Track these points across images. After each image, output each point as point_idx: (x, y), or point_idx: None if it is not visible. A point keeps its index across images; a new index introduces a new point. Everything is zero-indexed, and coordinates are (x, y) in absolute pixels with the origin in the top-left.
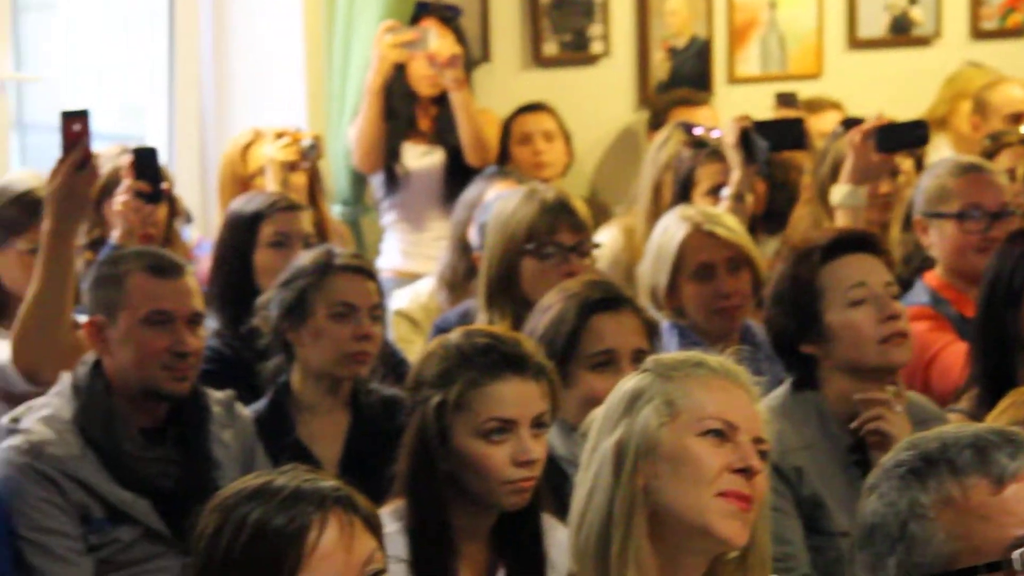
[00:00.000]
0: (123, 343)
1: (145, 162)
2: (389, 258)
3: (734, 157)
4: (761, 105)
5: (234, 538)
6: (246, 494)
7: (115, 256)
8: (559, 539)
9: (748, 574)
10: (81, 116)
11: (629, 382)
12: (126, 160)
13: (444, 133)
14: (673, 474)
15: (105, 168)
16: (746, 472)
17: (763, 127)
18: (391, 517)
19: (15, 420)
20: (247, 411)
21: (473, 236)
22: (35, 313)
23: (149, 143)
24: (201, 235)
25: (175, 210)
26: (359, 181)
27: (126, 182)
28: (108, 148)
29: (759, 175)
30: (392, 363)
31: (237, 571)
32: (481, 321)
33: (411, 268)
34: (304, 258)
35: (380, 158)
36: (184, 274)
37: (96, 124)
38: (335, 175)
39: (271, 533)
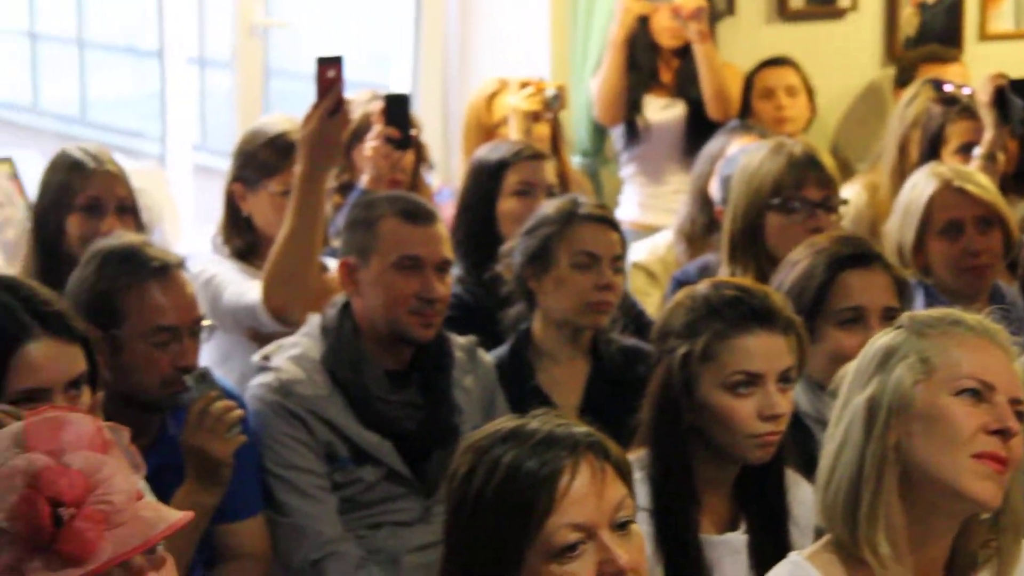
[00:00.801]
0: (373, 286)
1: (396, 108)
2: (627, 210)
3: (988, 116)
4: (1012, 63)
5: (487, 480)
6: (500, 436)
7: (369, 200)
8: (802, 495)
9: (1001, 536)
10: (335, 62)
11: (883, 338)
12: (377, 106)
13: (686, 86)
14: (926, 433)
15: (356, 113)
16: (1003, 433)
17: (1018, 86)
18: (634, 466)
19: (266, 358)
20: (489, 357)
21: (714, 190)
22: (285, 255)
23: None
24: (442, 183)
25: (422, 157)
26: (599, 133)
27: (377, 128)
28: (359, 94)
29: (1012, 135)
30: (632, 314)
31: (488, 512)
32: (723, 275)
33: (649, 221)
34: (549, 206)
35: (621, 110)
36: (435, 221)
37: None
38: (576, 126)
39: (523, 476)
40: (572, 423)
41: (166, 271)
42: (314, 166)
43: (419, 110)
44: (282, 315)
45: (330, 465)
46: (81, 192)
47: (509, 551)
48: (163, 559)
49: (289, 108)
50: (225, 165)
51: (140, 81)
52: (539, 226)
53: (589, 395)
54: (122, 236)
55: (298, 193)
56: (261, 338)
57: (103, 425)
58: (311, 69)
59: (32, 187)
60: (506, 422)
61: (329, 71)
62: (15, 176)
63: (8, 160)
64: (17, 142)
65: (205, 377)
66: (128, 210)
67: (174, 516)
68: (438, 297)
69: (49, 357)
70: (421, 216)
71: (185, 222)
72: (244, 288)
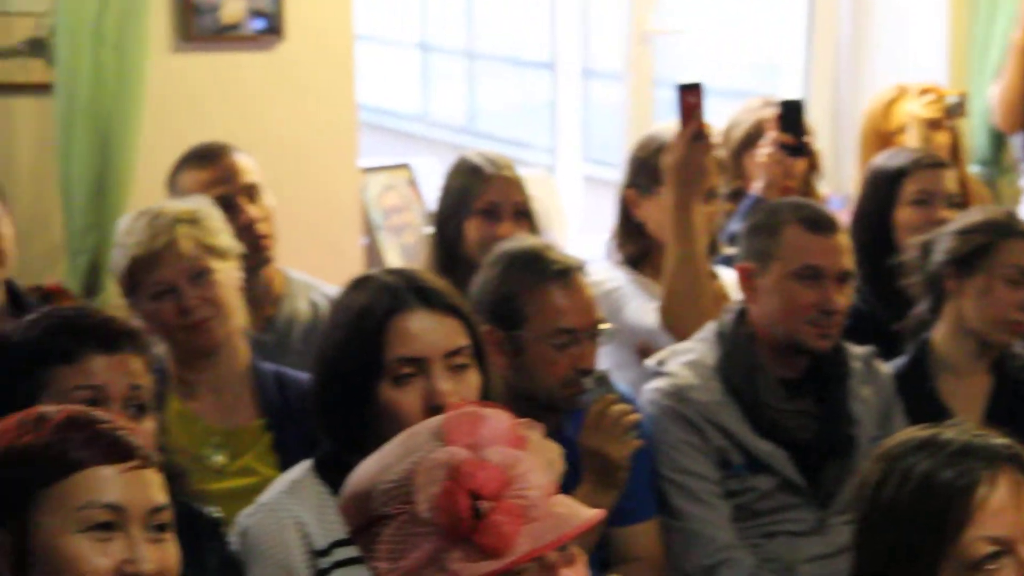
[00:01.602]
0: (771, 293)
1: (791, 114)
2: None
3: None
4: None
5: (899, 489)
6: (913, 445)
7: (773, 206)
8: None
9: None
10: (695, 88)
11: None
12: (769, 112)
13: None
14: None
15: (747, 121)
16: None
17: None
18: None
19: (660, 363)
20: (887, 368)
21: None
22: (676, 281)
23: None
24: (832, 190)
25: (814, 164)
26: (998, 141)
27: (771, 134)
28: (749, 101)
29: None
30: None
31: (901, 521)
32: None
33: None
34: (985, 213)
35: (1021, 118)
36: (838, 231)
37: (726, 81)
38: (974, 134)
39: (939, 486)
40: (989, 434)
41: (567, 274)
42: (683, 193)
43: (810, 117)
44: (681, 335)
45: (723, 472)
46: (480, 197)
47: (922, 562)
48: (575, 556)
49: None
50: (608, 175)
51: (526, 92)
52: (973, 230)
53: (991, 410)
54: (525, 239)
55: (673, 222)
56: (650, 354)
57: (519, 421)
58: (700, 78)
59: (429, 193)
60: (919, 431)
61: (690, 97)
62: (413, 182)
63: (406, 166)
64: (409, 151)
65: (604, 380)
66: (524, 215)
67: (587, 514)
68: (837, 309)
69: (425, 327)
70: (824, 225)
71: (572, 231)
72: (645, 309)
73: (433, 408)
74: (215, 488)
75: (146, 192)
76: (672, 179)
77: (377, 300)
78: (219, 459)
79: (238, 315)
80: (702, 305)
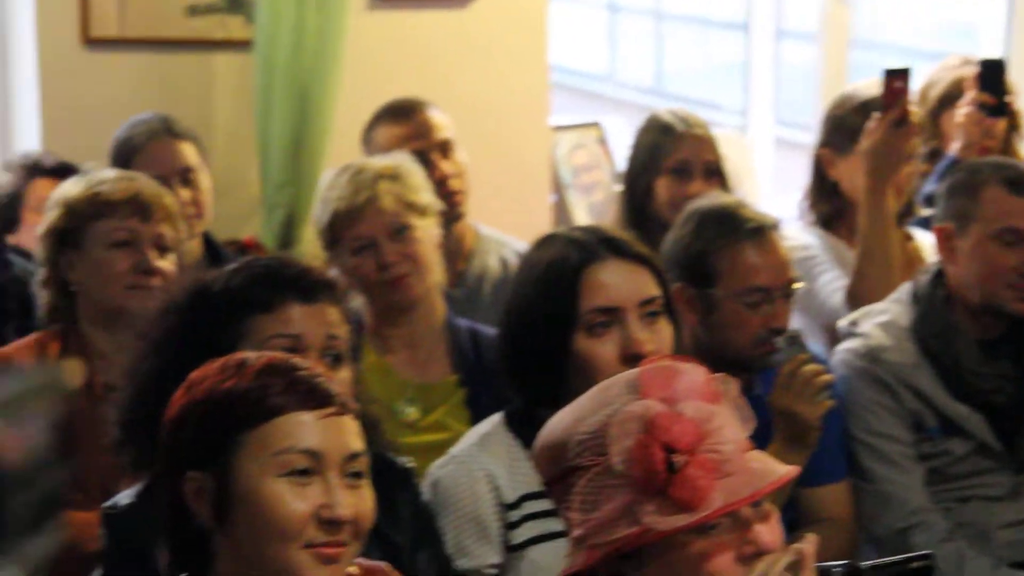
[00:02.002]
0: (970, 255)
1: (991, 74)
2: None
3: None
4: None
5: None
6: None
7: (974, 166)
8: None
9: None
10: (903, 74)
11: None
12: (969, 72)
13: None
14: None
15: (945, 79)
16: None
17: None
18: None
19: (853, 323)
20: None
21: None
22: (866, 267)
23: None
24: None
25: (1014, 124)
26: None
27: (970, 94)
28: (947, 59)
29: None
30: None
31: None
32: None
33: None
34: None
35: None
36: None
37: (917, 41)
38: None
39: None
40: None
41: (761, 232)
42: (878, 178)
43: (1012, 76)
44: None
45: (917, 435)
46: (671, 155)
47: None
48: (768, 512)
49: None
50: (797, 138)
51: (712, 53)
52: None
53: None
54: (718, 196)
55: (866, 207)
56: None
57: (714, 376)
58: (894, 39)
59: (618, 151)
60: None
61: (896, 82)
62: (603, 140)
63: (596, 124)
64: (595, 112)
65: (796, 340)
66: (716, 174)
67: (782, 470)
68: None
69: (618, 277)
70: None
71: (764, 192)
72: (835, 287)
73: (629, 357)
74: (407, 442)
75: (342, 148)
76: (868, 164)
77: (568, 253)
78: (412, 413)
79: (436, 271)
80: (889, 289)
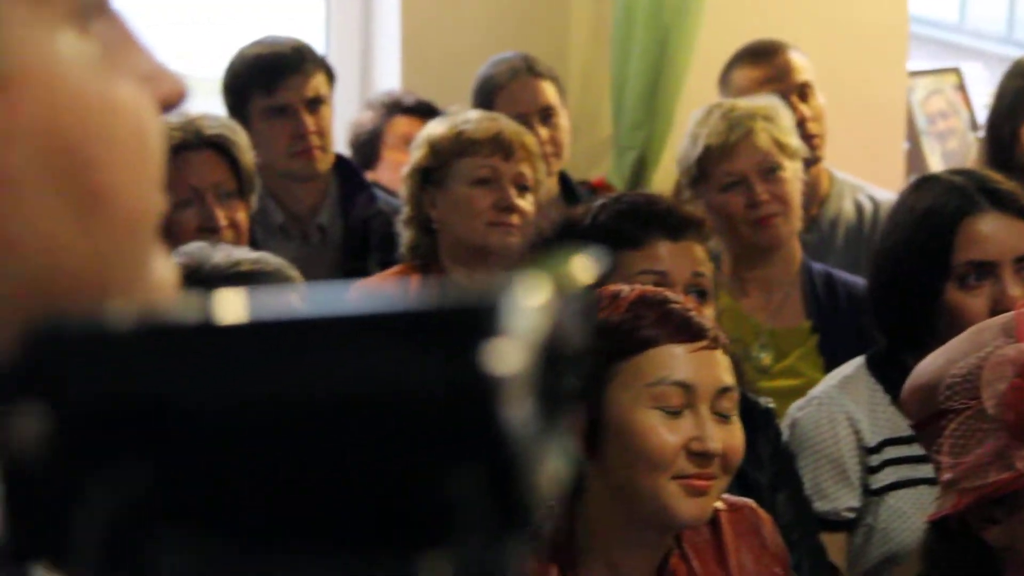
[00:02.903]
0: None
1: None
2: None
3: None
4: None
5: None
6: None
7: None
8: None
9: None
10: None
11: None
12: None
13: None
14: None
15: None
16: None
17: None
18: None
19: None
20: None
21: None
22: None
23: None
24: None
25: None
26: None
27: None
28: None
29: None
30: None
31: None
32: None
33: None
34: None
35: None
36: None
37: None
38: None
39: None
40: None
41: None
42: None
43: None
44: None
45: None
46: None
47: None
48: None
49: None
50: None
51: None
52: None
53: None
54: None
55: None
56: None
57: None
58: None
59: (976, 99)
60: None
61: None
62: (961, 87)
63: (955, 70)
64: (947, 60)
65: None
66: None
67: None
68: None
69: (996, 230)
70: None
71: None
72: None
73: (1001, 312)
74: (760, 387)
75: (698, 91)
76: None
77: (946, 201)
78: (765, 359)
79: (800, 215)
80: None
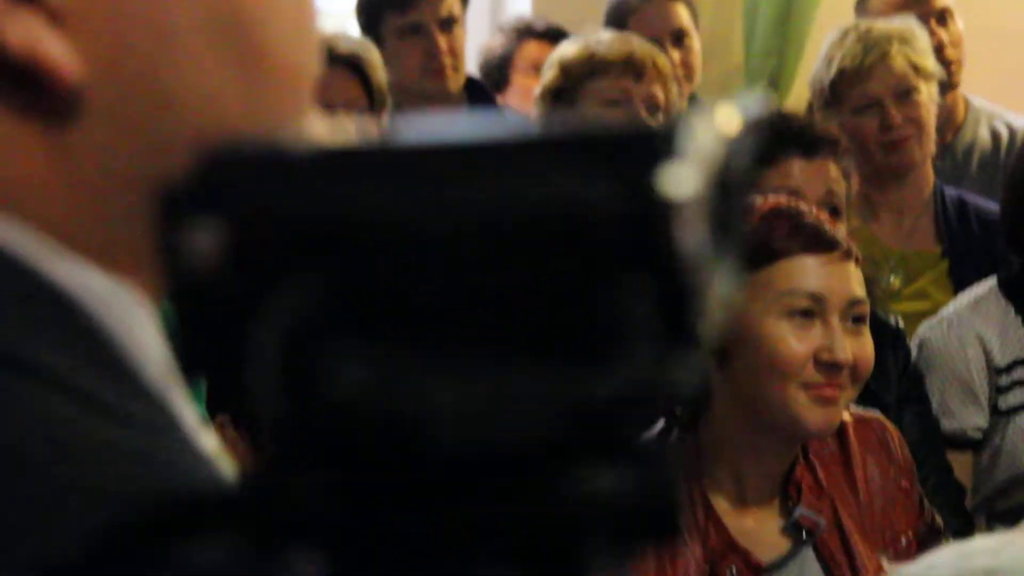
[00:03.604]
0: None
1: None
2: None
3: None
4: None
5: None
6: None
7: None
8: None
9: None
10: None
11: None
12: None
13: None
14: None
15: None
16: None
17: None
18: None
19: None
20: None
21: None
22: None
23: None
24: None
25: None
26: None
27: None
28: None
29: None
30: None
31: None
32: None
33: None
34: None
35: None
36: None
37: None
38: None
39: None
40: None
41: None
42: None
43: None
44: None
45: None
46: None
47: None
48: None
49: None
50: None
51: None
52: None
53: None
54: None
55: None
56: None
57: None
58: None
59: None
60: None
61: None
62: None
63: None
64: None
65: None
66: None
67: None
68: None
69: None
70: None
71: None
72: None
73: None
74: (889, 310)
75: (830, 18)
76: None
77: None
78: (894, 282)
79: (933, 139)
80: None
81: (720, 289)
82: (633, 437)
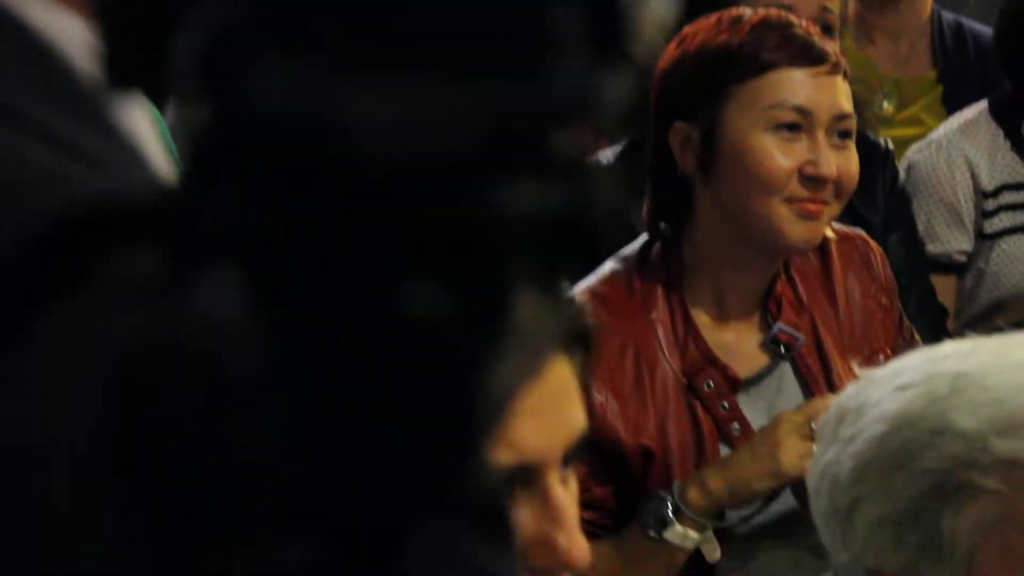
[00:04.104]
0: None
1: None
2: None
3: None
4: None
5: None
6: None
7: None
8: None
9: None
10: None
11: None
12: None
13: None
14: None
15: None
16: None
17: None
18: None
19: None
20: None
21: None
22: None
23: None
24: None
25: None
26: None
27: None
28: None
29: None
30: None
31: None
32: None
33: None
34: None
35: None
36: None
37: None
38: None
39: None
40: None
41: None
42: None
43: None
44: None
45: None
46: None
47: None
48: None
49: None
50: None
51: None
52: None
53: None
54: None
55: None
56: None
57: None
58: None
59: None
60: None
61: None
62: None
63: None
64: None
65: None
66: None
67: None
68: None
69: None
70: None
71: None
72: None
73: None
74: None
75: None
76: None
77: None
78: (888, 107)
79: None
80: None
81: (655, 7)
82: (561, 154)
